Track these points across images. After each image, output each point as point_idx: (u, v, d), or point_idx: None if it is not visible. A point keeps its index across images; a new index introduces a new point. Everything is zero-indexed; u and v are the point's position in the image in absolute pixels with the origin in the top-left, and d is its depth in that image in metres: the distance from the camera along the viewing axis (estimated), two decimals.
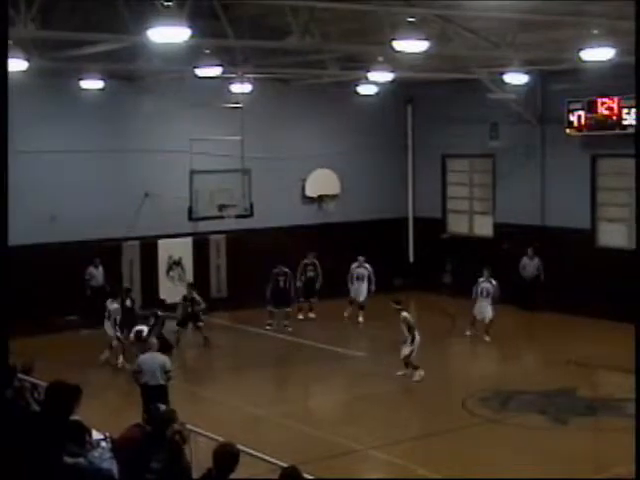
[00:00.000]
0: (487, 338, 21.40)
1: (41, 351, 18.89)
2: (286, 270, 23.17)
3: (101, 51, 18.06)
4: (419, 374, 17.90)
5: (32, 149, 22.06)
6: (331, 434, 15.03)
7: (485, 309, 21.45)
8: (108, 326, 19.59)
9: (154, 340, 15.33)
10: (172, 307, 22.27)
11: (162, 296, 24.18)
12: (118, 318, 19.58)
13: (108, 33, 16.63)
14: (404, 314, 17.98)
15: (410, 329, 17.84)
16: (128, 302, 20.38)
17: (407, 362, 18.00)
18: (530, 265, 24.59)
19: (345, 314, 23.98)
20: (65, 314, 22.73)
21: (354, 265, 24.17)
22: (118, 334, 19.45)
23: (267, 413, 16.37)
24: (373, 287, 23.95)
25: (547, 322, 23.33)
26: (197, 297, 21.56)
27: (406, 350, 17.87)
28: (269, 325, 22.93)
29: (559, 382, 17.95)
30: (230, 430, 12.61)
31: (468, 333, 21.81)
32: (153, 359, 14.53)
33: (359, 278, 24.03)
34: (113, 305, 19.79)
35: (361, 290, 23.99)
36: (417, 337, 17.89)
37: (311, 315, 24.08)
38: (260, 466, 10.34)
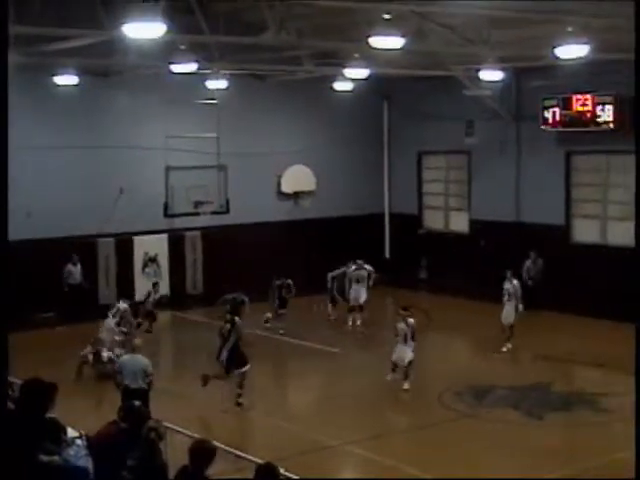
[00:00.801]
0: (504, 348, 20.14)
1: (16, 348, 18.75)
2: (289, 282, 22.66)
3: (76, 46, 17.96)
4: (408, 384, 17.28)
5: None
6: (308, 430, 15.05)
7: (508, 313, 20.05)
8: (111, 324, 19.36)
9: (138, 341, 14.96)
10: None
11: (137, 293, 24.07)
12: (126, 316, 19.53)
13: (83, 28, 16.54)
14: (411, 320, 17.25)
15: (414, 336, 17.21)
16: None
17: (396, 367, 17.49)
18: (533, 269, 24.27)
19: (349, 322, 23.13)
20: (42, 311, 22.60)
21: (352, 268, 23.33)
22: (117, 337, 19.35)
23: (245, 410, 16.34)
24: (371, 283, 23.42)
25: (521, 318, 23.41)
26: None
27: (410, 355, 17.18)
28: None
29: (533, 377, 18.06)
30: (206, 427, 12.61)
31: (504, 349, 20.20)
32: (135, 361, 14.13)
33: (359, 281, 23.23)
34: (123, 305, 19.66)
35: (361, 293, 23.31)
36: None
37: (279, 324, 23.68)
38: (237, 463, 10.34)
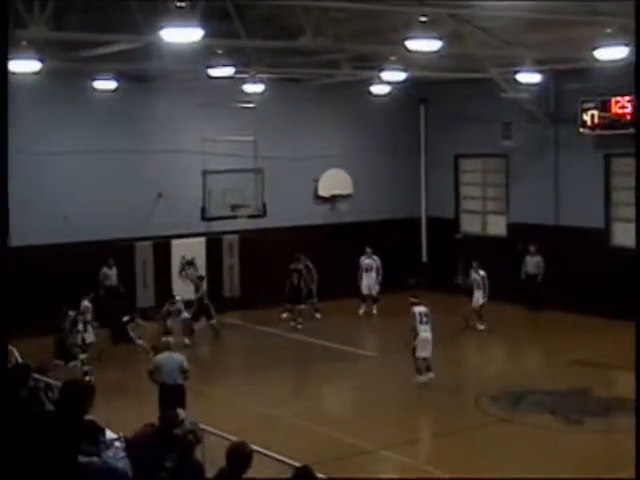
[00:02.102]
0: (481, 327, 22.43)
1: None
2: (300, 267, 23.38)
3: (114, 52, 18.13)
4: (421, 379, 17.62)
5: (45, 150, 22.16)
6: (343, 434, 15.03)
7: (476, 299, 22.61)
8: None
9: (170, 339, 15.38)
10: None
11: (175, 295, 24.19)
12: (89, 316, 19.55)
13: (121, 34, 16.70)
14: (413, 309, 17.73)
15: (413, 327, 17.62)
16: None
17: (427, 365, 17.79)
18: (530, 262, 24.64)
19: (360, 312, 24.13)
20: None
21: (362, 257, 24.66)
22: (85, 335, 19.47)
23: (279, 413, 16.39)
24: (380, 278, 24.30)
25: (560, 322, 23.25)
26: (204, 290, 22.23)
27: (413, 344, 17.70)
28: (292, 320, 23.16)
29: (571, 382, 17.91)
30: (242, 429, 12.63)
31: (482, 327, 22.57)
32: (171, 358, 14.58)
33: (368, 270, 24.48)
34: (84, 303, 19.63)
35: (372, 283, 24.28)
36: (422, 335, 17.50)
37: (317, 316, 24.06)
38: (273, 466, 10.35)
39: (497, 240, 26.89)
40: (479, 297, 22.53)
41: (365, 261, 24.61)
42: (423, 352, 17.64)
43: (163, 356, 14.78)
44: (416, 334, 17.60)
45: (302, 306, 23.37)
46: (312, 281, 24.04)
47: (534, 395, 17.21)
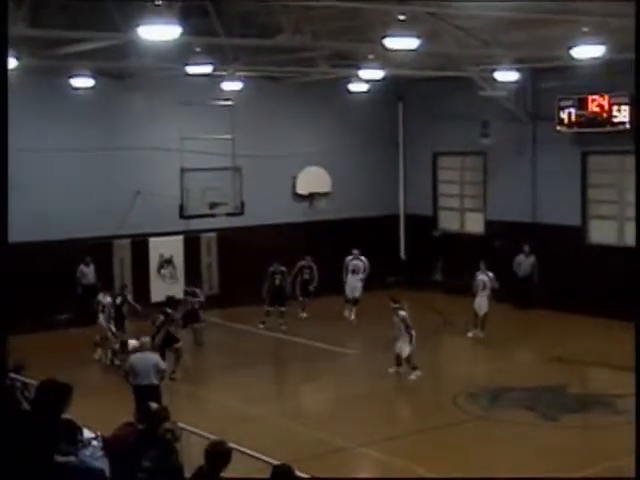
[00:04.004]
0: (481, 334, 21.40)
1: (31, 350, 18.87)
2: (282, 269, 23.17)
3: (91, 49, 18.04)
4: (416, 374, 17.77)
5: (22, 147, 21.92)
6: (323, 432, 15.04)
7: (482, 302, 21.36)
8: (102, 320, 19.58)
9: (146, 339, 15.19)
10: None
11: (153, 294, 24.10)
12: (112, 312, 19.59)
13: (98, 31, 16.62)
14: (402, 313, 17.77)
15: (407, 328, 17.72)
16: (118, 300, 20.31)
17: (400, 360, 17.94)
18: (525, 263, 24.65)
19: (345, 314, 23.78)
20: (56, 313, 22.68)
21: (349, 258, 24.14)
22: (112, 328, 19.48)
23: (259, 411, 16.37)
24: (364, 278, 23.98)
25: (538, 319, 23.39)
26: (197, 290, 21.75)
27: (407, 349, 17.67)
28: (262, 323, 22.90)
29: (549, 379, 17.99)
30: (222, 428, 12.62)
31: (470, 335, 21.61)
32: (146, 359, 14.38)
33: (355, 271, 24.00)
34: (106, 299, 19.77)
35: (356, 285, 23.90)
36: (414, 336, 17.79)
37: (303, 315, 24.02)
38: (252, 464, 10.34)
39: (475, 237, 26.99)
40: (481, 301, 21.33)
41: (352, 262, 24.04)
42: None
43: (137, 356, 14.57)
44: (411, 336, 17.68)
45: (284, 308, 23.19)
46: (313, 281, 23.93)
47: (512, 392, 17.27)
